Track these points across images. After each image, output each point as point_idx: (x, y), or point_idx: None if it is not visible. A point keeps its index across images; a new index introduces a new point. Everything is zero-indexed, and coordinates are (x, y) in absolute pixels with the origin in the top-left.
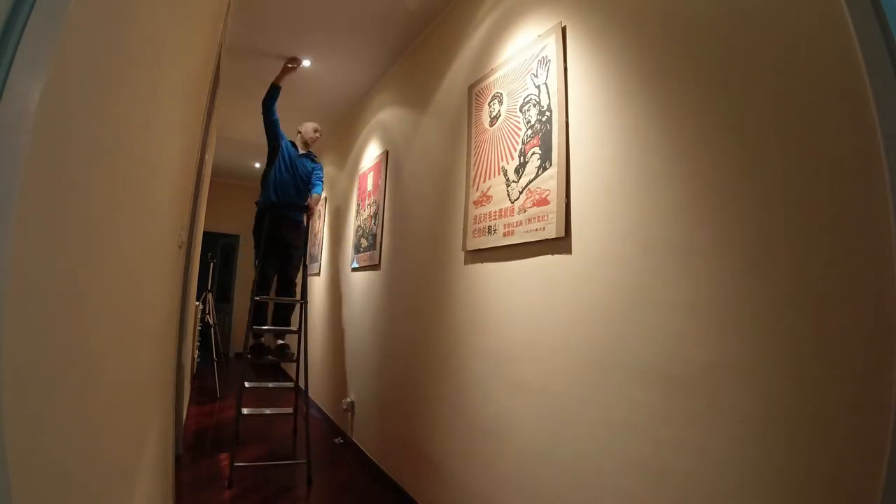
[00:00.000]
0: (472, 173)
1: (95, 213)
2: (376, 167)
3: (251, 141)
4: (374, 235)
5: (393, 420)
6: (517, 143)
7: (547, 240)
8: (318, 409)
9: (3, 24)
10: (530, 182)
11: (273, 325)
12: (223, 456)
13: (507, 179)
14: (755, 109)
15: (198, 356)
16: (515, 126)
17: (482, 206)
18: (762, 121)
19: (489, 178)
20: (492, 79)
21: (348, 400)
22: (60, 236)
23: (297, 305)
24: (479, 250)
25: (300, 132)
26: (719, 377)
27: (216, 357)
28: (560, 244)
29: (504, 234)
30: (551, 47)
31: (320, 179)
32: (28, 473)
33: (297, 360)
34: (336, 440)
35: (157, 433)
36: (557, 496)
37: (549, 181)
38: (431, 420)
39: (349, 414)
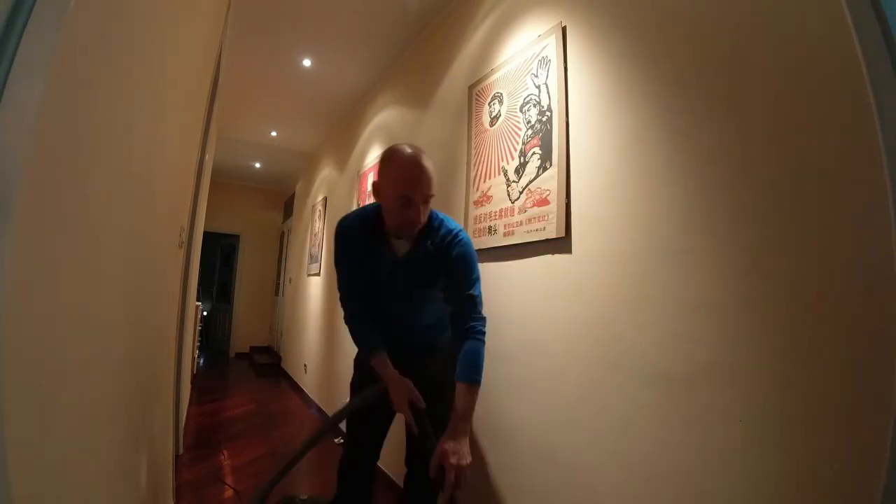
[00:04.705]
0: (473, 173)
1: (95, 213)
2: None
3: (251, 141)
4: None
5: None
6: (517, 143)
7: (547, 240)
8: (318, 408)
9: (4, 25)
10: (530, 182)
11: None
12: (223, 455)
13: (508, 179)
14: (755, 109)
15: (198, 356)
16: (515, 126)
17: (482, 206)
18: (762, 121)
19: (489, 179)
20: (492, 79)
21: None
22: (60, 236)
23: None
24: (480, 250)
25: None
26: (720, 377)
27: None
28: (560, 244)
29: (504, 235)
30: (551, 47)
31: None
32: (28, 473)
33: None
34: (336, 440)
35: (157, 433)
36: (557, 496)
37: (550, 181)
38: None
39: None
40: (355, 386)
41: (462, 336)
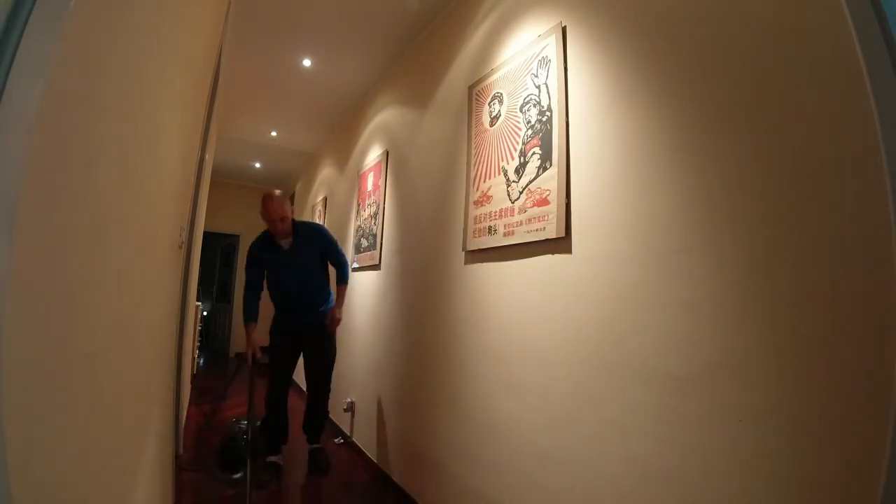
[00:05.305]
0: (473, 173)
1: (95, 213)
2: (376, 167)
3: (251, 141)
4: (375, 235)
5: (393, 420)
6: (517, 143)
7: (547, 240)
8: None
9: (4, 25)
10: (530, 182)
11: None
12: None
13: (508, 179)
14: (755, 110)
15: (198, 356)
16: (515, 126)
17: (482, 206)
18: (763, 121)
19: (489, 178)
20: (492, 79)
21: (348, 400)
22: (60, 236)
23: None
24: (480, 250)
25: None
26: (721, 377)
27: None
28: (560, 244)
29: (504, 234)
30: (551, 47)
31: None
32: (28, 473)
33: None
34: (336, 440)
35: (157, 433)
36: (558, 497)
37: (550, 181)
38: (431, 420)
39: (349, 414)
40: (273, 350)
41: (338, 267)
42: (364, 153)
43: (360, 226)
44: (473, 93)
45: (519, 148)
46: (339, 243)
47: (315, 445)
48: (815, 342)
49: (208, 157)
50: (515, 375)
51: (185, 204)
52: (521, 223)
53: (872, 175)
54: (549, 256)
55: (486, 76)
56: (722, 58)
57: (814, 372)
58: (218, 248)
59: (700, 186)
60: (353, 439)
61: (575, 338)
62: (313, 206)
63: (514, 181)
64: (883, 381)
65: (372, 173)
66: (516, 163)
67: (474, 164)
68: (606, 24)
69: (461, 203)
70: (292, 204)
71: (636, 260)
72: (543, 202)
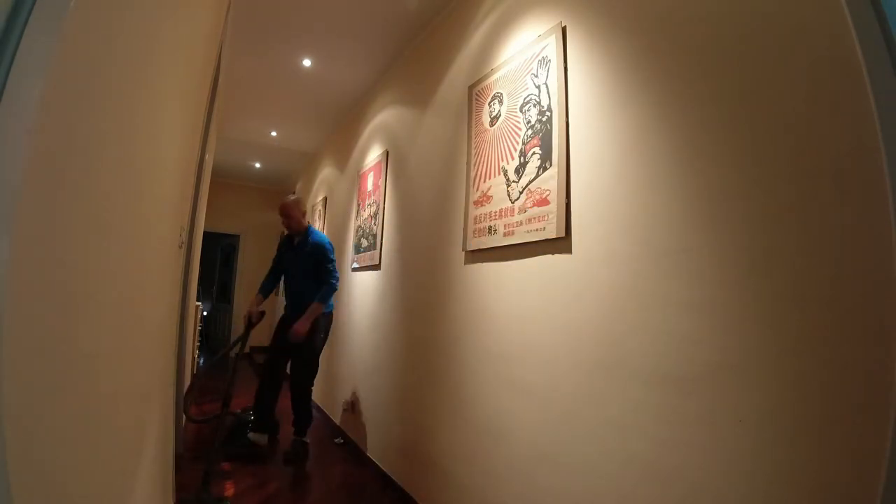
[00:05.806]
0: (473, 173)
1: (95, 212)
2: (376, 167)
3: (251, 141)
4: (375, 235)
5: (393, 419)
6: (517, 143)
7: (547, 240)
8: (318, 408)
9: (4, 25)
10: (530, 182)
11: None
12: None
13: (508, 179)
14: (755, 110)
15: (198, 356)
16: (516, 126)
17: (482, 206)
18: (762, 121)
19: (489, 179)
20: (492, 79)
21: (348, 400)
22: (61, 236)
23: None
24: (480, 250)
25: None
26: (721, 377)
27: None
28: (560, 244)
29: (504, 234)
30: (551, 47)
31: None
32: (28, 473)
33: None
34: (336, 440)
35: (157, 433)
36: (558, 497)
37: (550, 181)
38: (431, 420)
39: (349, 414)
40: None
41: (321, 284)
42: (364, 153)
43: (360, 226)
44: (473, 93)
45: (519, 148)
46: (335, 266)
47: (295, 438)
48: (815, 342)
49: (208, 157)
50: (515, 375)
51: (185, 204)
52: (521, 223)
53: (872, 175)
54: (549, 256)
55: (486, 76)
56: (722, 58)
57: (814, 372)
58: (218, 248)
59: (700, 186)
60: (353, 439)
61: (575, 338)
62: (313, 206)
63: (514, 181)
64: (883, 381)
65: (372, 173)
66: (516, 163)
67: (474, 164)
68: (606, 24)
69: (461, 203)
70: None
71: (636, 260)
72: (543, 202)
